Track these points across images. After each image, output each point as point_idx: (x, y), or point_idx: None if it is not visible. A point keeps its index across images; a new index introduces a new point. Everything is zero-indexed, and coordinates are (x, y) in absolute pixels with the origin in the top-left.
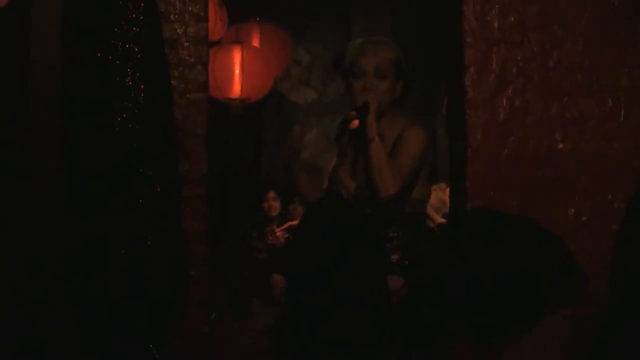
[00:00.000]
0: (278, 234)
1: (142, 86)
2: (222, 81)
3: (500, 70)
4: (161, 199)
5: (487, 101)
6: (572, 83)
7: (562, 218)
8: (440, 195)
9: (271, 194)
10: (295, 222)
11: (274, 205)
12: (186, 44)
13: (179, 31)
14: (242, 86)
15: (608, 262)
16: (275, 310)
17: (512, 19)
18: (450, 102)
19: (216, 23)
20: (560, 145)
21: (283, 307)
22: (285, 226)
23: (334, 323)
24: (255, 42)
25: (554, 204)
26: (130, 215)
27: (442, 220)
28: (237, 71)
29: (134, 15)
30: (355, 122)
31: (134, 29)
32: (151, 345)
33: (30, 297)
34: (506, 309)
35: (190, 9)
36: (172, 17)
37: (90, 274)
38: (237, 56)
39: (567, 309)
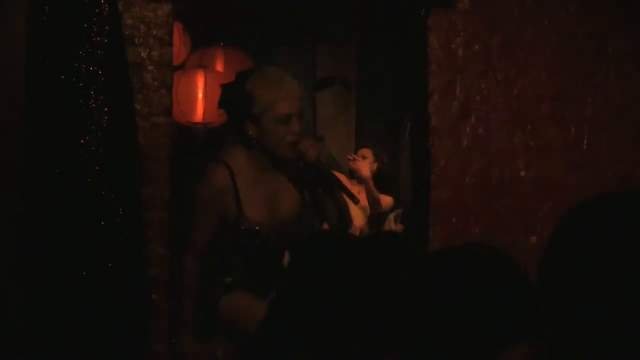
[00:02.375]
0: None
1: (106, 109)
2: (185, 105)
3: (464, 98)
4: (123, 222)
5: (451, 129)
6: (536, 112)
7: (524, 246)
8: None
9: None
10: None
11: None
12: (150, 67)
13: (144, 55)
14: (204, 111)
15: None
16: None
17: (477, 47)
18: (414, 129)
19: (180, 48)
20: (523, 174)
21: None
22: None
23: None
24: (220, 67)
25: (517, 231)
26: (92, 239)
27: None
28: (200, 95)
29: (98, 39)
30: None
31: (98, 52)
32: None
33: None
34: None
35: (154, 33)
36: (136, 41)
37: (49, 296)
38: (200, 81)
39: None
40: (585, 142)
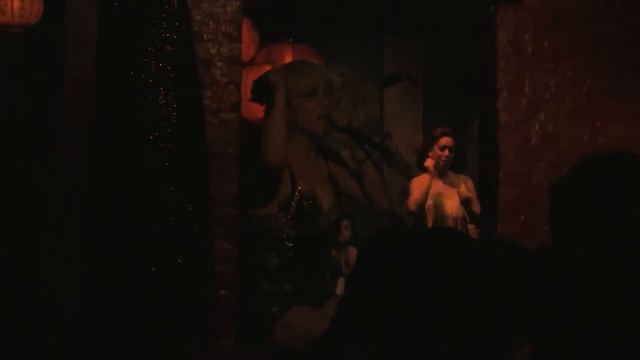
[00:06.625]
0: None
1: (175, 105)
2: None
3: (532, 95)
4: (192, 218)
5: (519, 126)
6: (605, 109)
7: None
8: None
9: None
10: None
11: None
12: (219, 64)
13: (212, 51)
14: None
15: None
16: None
17: (546, 44)
18: (482, 126)
19: (249, 44)
20: None
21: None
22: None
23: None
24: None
25: None
26: (161, 235)
27: None
28: None
29: (167, 35)
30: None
31: (168, 48)
32: None
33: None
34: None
35: (223, 29)
36: (205, 37)
37: (116, 293)
38: None
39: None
40: None
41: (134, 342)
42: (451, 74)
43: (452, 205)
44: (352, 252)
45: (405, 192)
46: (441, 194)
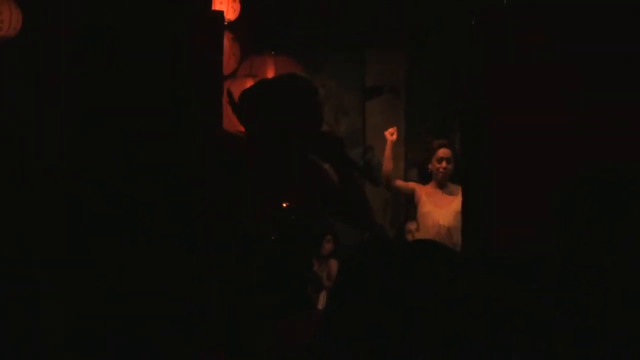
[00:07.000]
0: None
1: (174, 109)
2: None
3: (524, 104)
4: (176, 231)
5: (512, 135)
6: (601, 114)
7: None
8: None
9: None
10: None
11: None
12: (199, 76)
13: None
14: None
15: None
16: None
17: (533, 54)
18: (471, 136)
19: (230, 57)
20: None
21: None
22: None
23: None
24: (270, 75)
25: None
26: (162, 235)
27: None
28: None
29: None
30: None
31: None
32: None
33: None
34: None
35: (203, 42)
36: (185, 49)
37: (118, 292)
38: None
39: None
40: None
41: (134, 343)
42: (434, 86)
43: (445, 214)
44: (334, 265)
45: (387, 205)
46: (435, 203)
